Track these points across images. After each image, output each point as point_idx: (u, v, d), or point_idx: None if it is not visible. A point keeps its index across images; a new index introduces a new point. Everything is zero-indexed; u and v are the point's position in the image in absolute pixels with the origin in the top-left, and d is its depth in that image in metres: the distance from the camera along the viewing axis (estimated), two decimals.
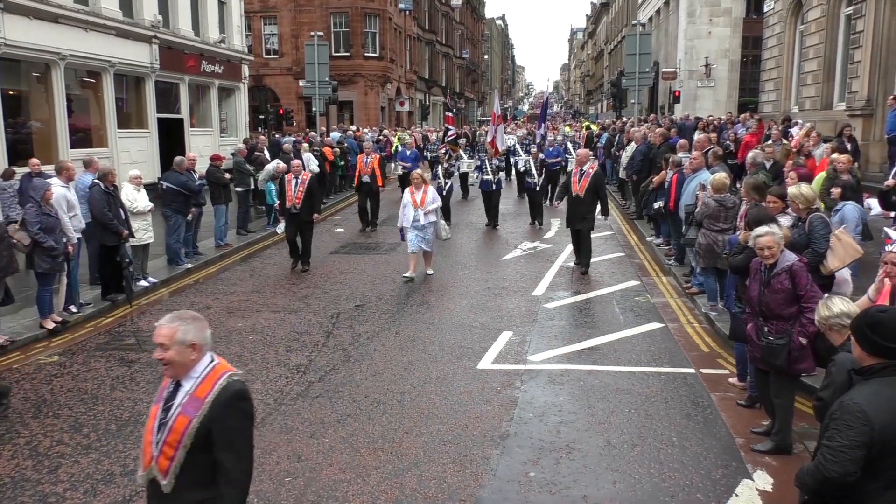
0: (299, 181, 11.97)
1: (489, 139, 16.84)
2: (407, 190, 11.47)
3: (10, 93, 15.41)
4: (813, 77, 20.19)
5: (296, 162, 12.58)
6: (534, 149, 17.60)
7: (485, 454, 5.62)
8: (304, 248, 12.19)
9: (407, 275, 11.20)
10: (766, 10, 24.92)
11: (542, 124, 19.91)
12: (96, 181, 9.76)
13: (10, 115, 15.13)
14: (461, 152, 20.40)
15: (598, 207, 11.56)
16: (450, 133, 18.23)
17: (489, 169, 15.72)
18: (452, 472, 5.34)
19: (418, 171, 11.85)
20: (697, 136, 15.30)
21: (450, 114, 19.59)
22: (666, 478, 5.22)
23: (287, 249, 12.67)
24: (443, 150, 18.62)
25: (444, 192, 15.54)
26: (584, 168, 11.52)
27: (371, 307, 9.91)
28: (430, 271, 11.59)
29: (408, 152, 20.11)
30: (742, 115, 20.78)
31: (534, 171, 16.27)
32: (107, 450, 5.75)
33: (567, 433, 5.98)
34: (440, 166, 16.59)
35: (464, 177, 20.74)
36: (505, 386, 7.03)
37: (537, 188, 16.17)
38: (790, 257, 5.38)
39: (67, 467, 5.47)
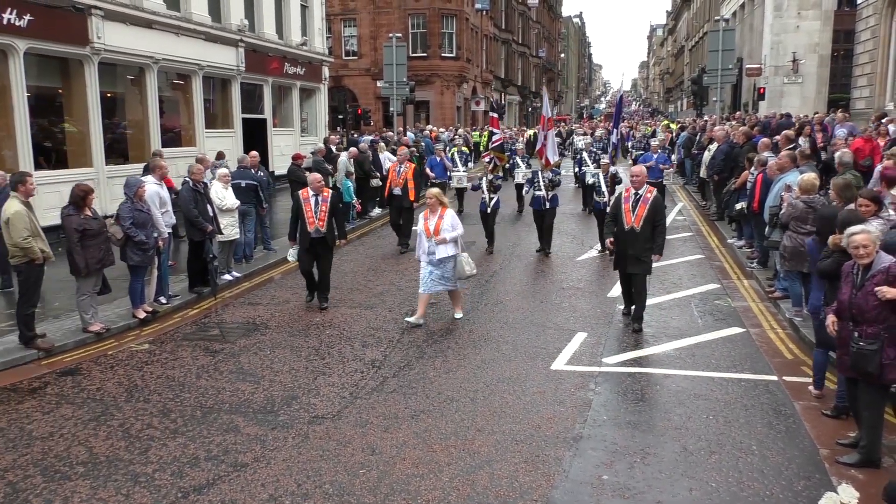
0: (320, 199, 9.72)
1: (538, 147, 13.92)
2: (421, 214, 9.28)
3: (108, 95, 16.25)
4: None
5: (315, 176, 10.03)
6: (604, 159, 14.32)
7: (557, 455, 5.60)
8: (322, 280, 10.07)
9: (411, 319, 9.01)
10: (859, 2, 23.79)
11: (616, 129, 14.88)
12: (186, 179, 10.22)
13: (107, 115, 15.96)
14: (518, 159, 17.77)
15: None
16: (494, 138, 14.84)
17: (541, 183, 12.96)
18: (524, 471, 5.35)
19: (434, 189, 9.34)
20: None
21: (494, 115, 15.68)
22: (744, 487, 5.08)
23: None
24: (486, 159, 15.06)
25: (489, 210, 13.47)
26: (641, 192, 8.67)
27: (445, 304, 9.99)
28: (458, 314, 9.32)
29: (437, 159, 17.64)
30: (839, 115, 18.82)
31: (604, 188, 13.17)
32: (192, 434, 6.03)
33: (642, 437, 5.89)
34: (484, 178, 13.75)
35: (519, 187, 18.16)
36: (579, 387, 6.98)
37: (608, 209, 12.09)
38: (887, 259, 5.14)
39: (156, 449, 5.77)
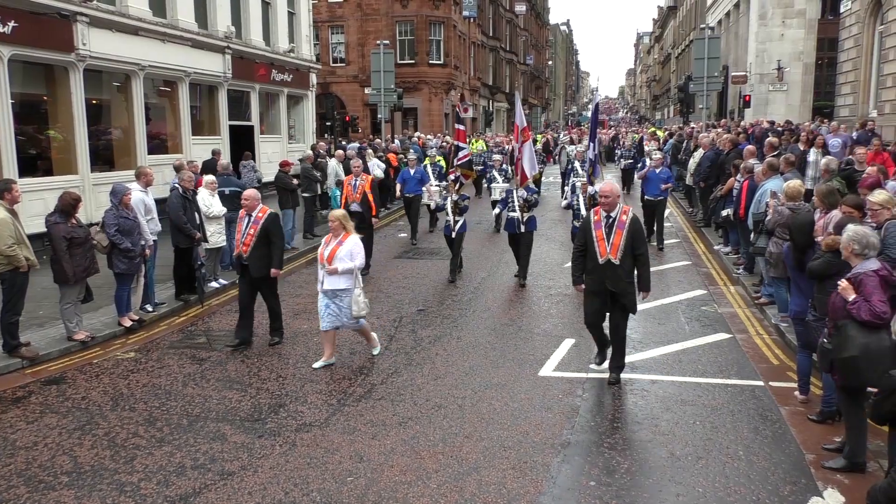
0: (252, 220, 8.42)
1: (514, 161, 12.07)
2: (325, 238, 8.02)
3: (94, 101, 16.14)
4: (893, 79, 19.36)
5: (248, 193, 8.64)
6: (581, 178, 12.56)
7: (545, 461, 5.61)
8: (272, 313, 8.72)
9: (317, 364, 7.80)
10: (842, 10, 24.04)
11: (593, 143, 11.98)
12: (175, 185, 10.17)
13: (93, 122, 15.85)
14: (495, 172, 15.98)
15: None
16: (461, 154, 12.39)
17: (515, 204, 11.39)
18: (512, 478, 5.35)
19: (339, 211, 8.15)
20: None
21: (460, 126, 13.06)
22: (731, 492, 5.10)
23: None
24: (452, 177, 12.84)
25: (454, 234, 11.79)
26: (614, 214, 7.05)
27: (433, 312, 9.99)
28: (374, 350, 8.20)
29: (411, 171, 15.81)
30: (832, 124, 18.41)
31: (583, 212, 11.01)
32: (178, 443, 5.99)
33: (629, 443, 5.91)
34: (449, 199, 12.00)
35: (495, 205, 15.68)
36: (566, 394, 6.99)
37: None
38: (867, 266, 5.19)
39: (142, 458, 5.72)
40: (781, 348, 8.19)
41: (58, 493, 5.18)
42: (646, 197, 14.14)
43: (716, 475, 5.35)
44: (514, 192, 11.48)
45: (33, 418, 6.55)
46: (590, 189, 11.19)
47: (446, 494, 5.12)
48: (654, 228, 14.07)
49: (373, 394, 7.05)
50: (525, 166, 11.51)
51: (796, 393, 6.72)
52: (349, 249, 7.61)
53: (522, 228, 11.33)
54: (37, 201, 12.95)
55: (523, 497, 5.09)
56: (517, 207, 11.32)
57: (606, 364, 7.48)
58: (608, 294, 7.08)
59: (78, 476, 5.44)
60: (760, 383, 7.14)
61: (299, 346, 8.58)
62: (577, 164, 17.04)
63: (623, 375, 7.43)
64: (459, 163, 12.56)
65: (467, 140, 14.08)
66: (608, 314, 7.27)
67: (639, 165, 19.22)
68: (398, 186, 16.17)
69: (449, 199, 12.01)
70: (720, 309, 9.86)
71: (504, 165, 17.03)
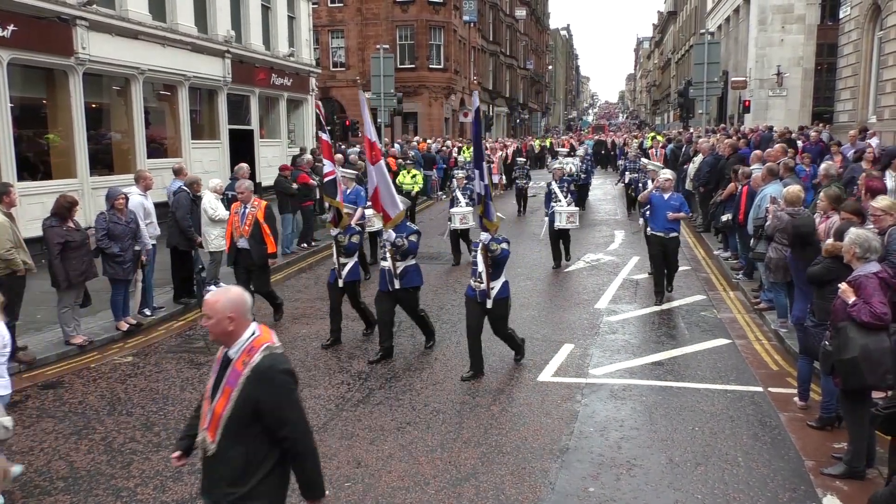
0: None
1: (371, 191, 8.16)
2: None
3: (93, 105, 16.13)
4: (892, 85, 19.38)
5: None
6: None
7: (543, 467, 5.58)
8: None
9: None
10: (841, 16, 24.10)
11: (480, 171, 7.42)
12: (183, 188, 10.16)
13: (92, 126, 15.83)
14: (458, 192, 13.20)
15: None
16: (325, 171, 9.21)
17: (387, 249, 8.09)
18: (511, 483, 5.32)
19: None
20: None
21: (323, 135, 9.65)
22: (731, 499, 5.08)
23: None
24: (326, 204, 9.71)
25: (340, 283, 8.70)
26: (232, 353, 3.38)
27: (432, 316, 9.91)
28: None
29: (346, 191, 11.04)
30: (850, 133, 17.40)
31: (480, 266, 7.59)
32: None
33: (628, 449, 5.89)
34: (338, 243, 8.72)
35: (458, 237, 13.40)
36: (565, 399, 6.97)
37: (487, 301, 7.66)
38: (867, 269, 5.19)
39: (139, 463, 5.70)
40: (781, 354, 8.17)
41: (54, 499, 5.16)
42: (651, 232, 10.43)
43: (715, 481, 5.32)
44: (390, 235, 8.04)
45: (30, 423, 6.52)
46: (483, 236, 7.51)
47: (444, 500, 5.10)
48: (665, 276, 10.53)
49: (371, 399, 7.03)
50: (384, 202, 7.95)
51: (796, 399, 6.70)
52: None
53: (397, 284, 8.02)
54: (36, 205, 12.92)
55: (521, 503, 5.06)
56: (388, 255, 8.06)
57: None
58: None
59: (74, 481, 5.42)
60: (760, 389, 7.12)
61: (298, 351, 8.55)
62: (554, 185, 12.81)
63: (622, 381, 7.41)
64: (324, 183, 9.08)
65: (328, 152, 9.23)
66: None
67: (637, 184, 16.93)
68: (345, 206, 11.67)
69: (340, 245, 8.71)
70: (719, 314, 9.84)
71: (467, 185, 12.98)
